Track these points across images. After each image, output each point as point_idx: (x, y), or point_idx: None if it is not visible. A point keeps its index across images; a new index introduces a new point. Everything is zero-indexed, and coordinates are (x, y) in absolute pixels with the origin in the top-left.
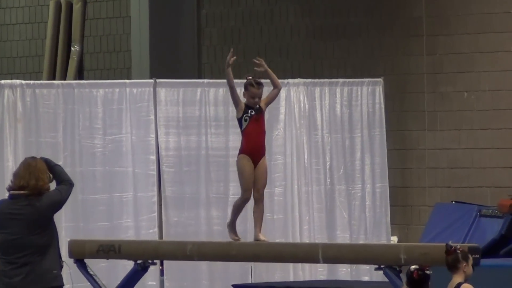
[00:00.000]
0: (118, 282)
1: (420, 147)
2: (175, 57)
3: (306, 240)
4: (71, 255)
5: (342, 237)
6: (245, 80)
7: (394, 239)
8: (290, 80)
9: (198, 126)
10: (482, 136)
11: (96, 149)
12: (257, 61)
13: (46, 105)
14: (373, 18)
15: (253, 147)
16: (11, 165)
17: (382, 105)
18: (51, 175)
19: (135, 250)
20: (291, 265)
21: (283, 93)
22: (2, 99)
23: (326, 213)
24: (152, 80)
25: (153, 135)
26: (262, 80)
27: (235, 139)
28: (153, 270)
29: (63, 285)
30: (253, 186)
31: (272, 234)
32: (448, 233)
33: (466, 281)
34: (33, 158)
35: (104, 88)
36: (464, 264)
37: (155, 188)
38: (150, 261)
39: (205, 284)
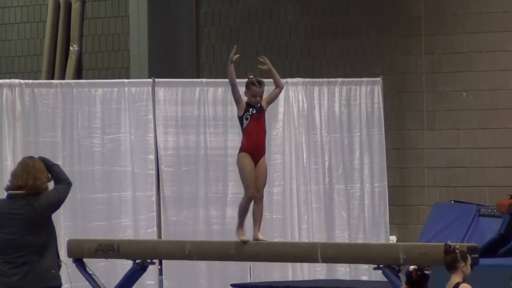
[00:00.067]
0: (117, 281)
1: (419, 147)
2: (173, 56)
3: (305, 239)
4: (70, 254)
5: (341, 236)
6: (243, 79)
7: (393, 239)
8: (289, 80)
9: (197, 126)
10: (481, 135)
11: (95, 148)
12: (262, 59)
13: (44, 105)
14: (372, 18)
15: (254, 146)
16: (10, 164)
17: (381, 105)
18: (49, 175)
19: (134, 250)
20: (290, 264)
21: (281, 92)
22: (0, 99)
23: (325, 212)
24: (150, 80)
25: (152, 135)
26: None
27: (234, 139)
28: (152, 269)
29: (62, 284)
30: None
31: (271, 233)
32: (447, 232)
33: (464, 281)
34: (31, 157)
35: (103, 87)
36: (463, 264)
37: (154, 188)
38: (149, 261)
39: (204, 283)
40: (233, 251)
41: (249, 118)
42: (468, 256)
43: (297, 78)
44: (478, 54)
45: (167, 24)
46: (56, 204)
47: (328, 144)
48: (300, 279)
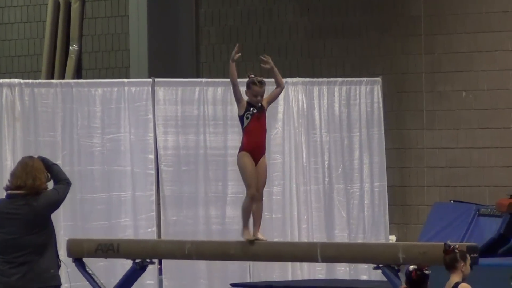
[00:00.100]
0: (117, 281)
1: (419, 146)
2: (173, 56)
3: (304, 239)
4: (69, 254)
5: (341, 236)
6: (244, 79)
7: (392, 238)
8: (289, 79)
9: (197, 125)
10: (481, 135)
11: (95, 148)
12: (264, 58)
13: (44, 104)
14: (371, 17)
15: (254, 145)
16: (10, 164)
17: (381, 104)
18: (48, 175)
19: (133, 249)
20: (289, 264)
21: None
22: (0, 98)
23: (325, 212)
24: (150, 79)
25: (152, 134)
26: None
27: (234, 138)
28: (152, 269)
29: (61, 284)
30: None
31: (271, 233)
32: (447, 232)
33: (464, 280)
34: (30, 157)
35: (103, 87)
36: (462, 264)
37: (154, 187)
38: (148, 260)
39: (204, 283)
40: (233, 251)
41: (249, 118)
42: (468, 255)
43: (297, 78)
44: (478, 54)
45: (167, 24)
46: (56, 204)
47: (328, 143)
48: (299, 278)
